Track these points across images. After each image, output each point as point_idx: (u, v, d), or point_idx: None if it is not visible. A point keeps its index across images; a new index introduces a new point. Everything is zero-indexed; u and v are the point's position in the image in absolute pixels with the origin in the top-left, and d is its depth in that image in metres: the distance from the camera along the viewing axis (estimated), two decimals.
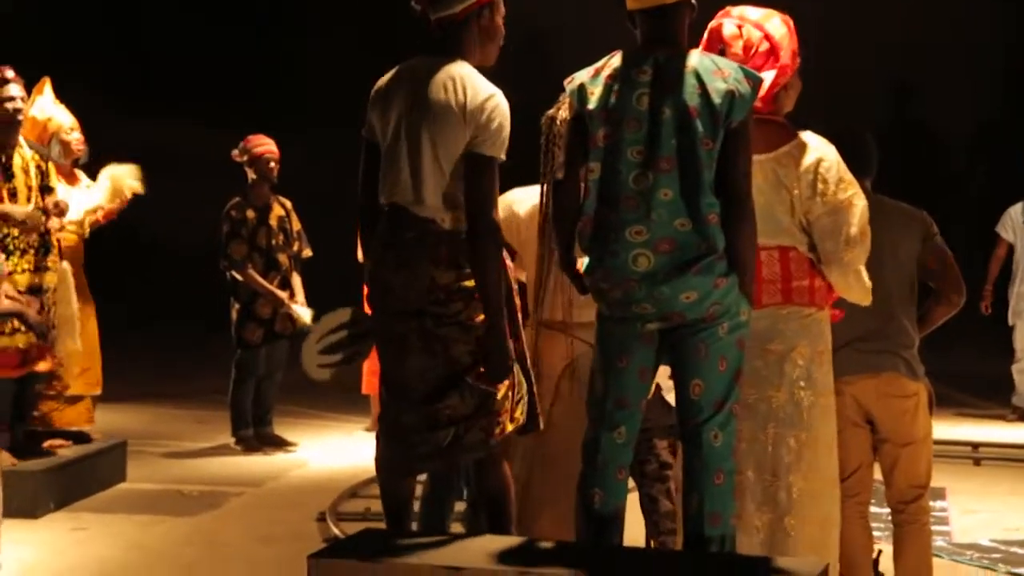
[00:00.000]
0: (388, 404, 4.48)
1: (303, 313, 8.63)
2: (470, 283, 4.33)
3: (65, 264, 6.93)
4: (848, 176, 4.49)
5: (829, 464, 4.49)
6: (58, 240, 6.95)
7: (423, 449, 4.38)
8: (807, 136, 4.53)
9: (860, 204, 4.46)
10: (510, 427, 4.42)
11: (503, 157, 4.36)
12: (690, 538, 4.13)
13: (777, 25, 4.53)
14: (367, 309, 4.66)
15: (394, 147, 4.38)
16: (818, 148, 4.51)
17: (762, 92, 4.27)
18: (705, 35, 4.58)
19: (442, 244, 4.34)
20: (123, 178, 7.69)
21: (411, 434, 4.38)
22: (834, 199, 4.44)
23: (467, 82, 4.34)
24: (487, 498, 4.51)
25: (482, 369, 4.34)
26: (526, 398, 4.48)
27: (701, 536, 4.10)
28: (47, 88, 7.49)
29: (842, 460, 4.65)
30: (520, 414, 4.44)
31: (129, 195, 7.71)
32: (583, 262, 4.25)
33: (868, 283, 4.52)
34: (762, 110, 4.40)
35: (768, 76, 4.42)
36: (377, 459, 4.56)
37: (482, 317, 4.33)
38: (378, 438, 4.55)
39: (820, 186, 4.44)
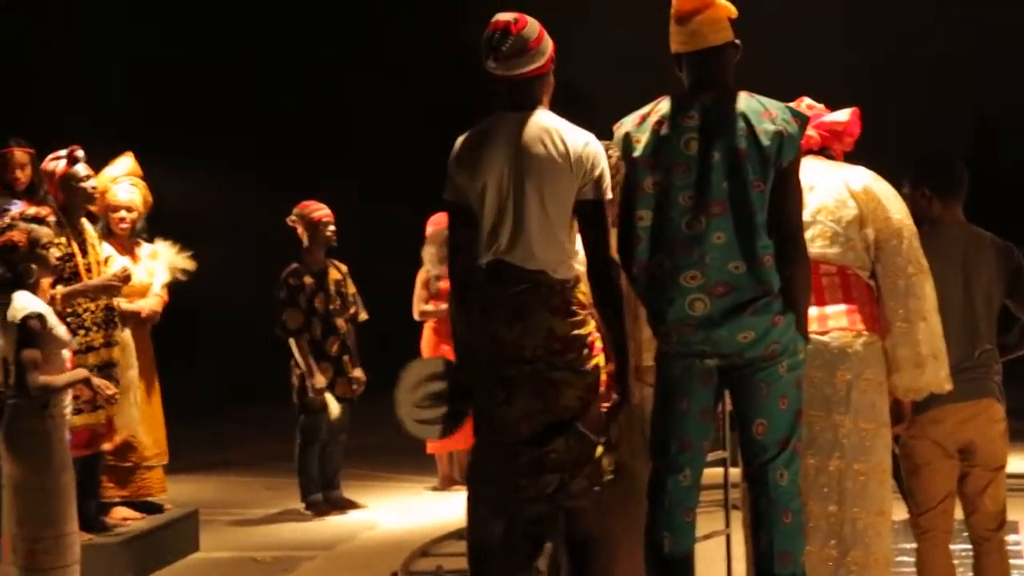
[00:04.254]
0: (490, 448, 4.45)
1: (333, 407, 8.69)
2: (584, 331, 4.38)
3: (126, 332, 7.02)
4: (904, 207, 4.57)
5: (886, 496, 4.49)
6: (121, 311, 7.05)
7: (529, 493, 4.38)
8: (858, 168, 4.62)
9: (915, 238, 4.52)
10: (608, 476, 4.44)
11: (610, 197, 4.42)
12: None
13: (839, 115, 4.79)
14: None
15: (496, 205, 4.41)
16: (874, 178, 4.61)
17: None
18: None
19: (555, 294, 4.38)
20: (174, 258, 7.80)
21: (517, 477, 4.38)
22: (897, 222, 4.52)
23: (563, 132, 4.41)
24: (577, 545, 4.49)
25: (605, 406, 4.38)
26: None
27: (772, 575, 4.10)
28: (123, 161, 7.62)
29: (930, 491, 4.66)
30: (610, 464, 4.47)
31: (181, 276, 7.82)
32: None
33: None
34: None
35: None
36: (473, 502, 4.52)
37: (593, 363, 4.37)
38: (475, 482, 4.52)
39: (883, 204, 4.53)
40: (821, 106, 4.87)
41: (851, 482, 4.43)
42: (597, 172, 4.38)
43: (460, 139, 4.54)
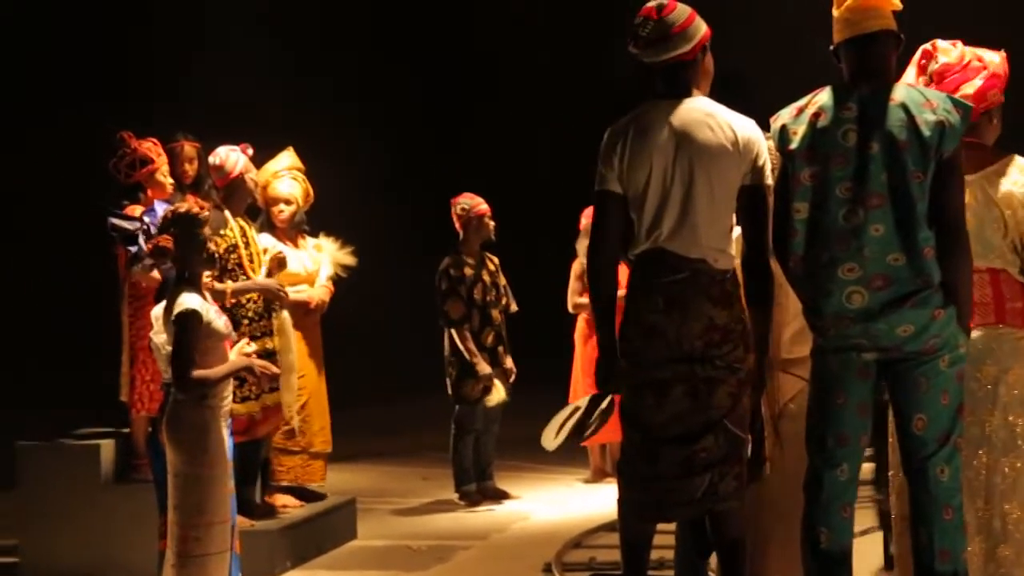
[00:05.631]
0: (641, 448, 4.43)
1: (499, 393, 8.76)
2: (741, 324, 4.36)
3: (284, 315, 7.15)
4: None
5: None
6: (290, 300, 7.20)
7: (679, 496, 4.37)
8: (1019, 159, 4.47)
9: None
10: (757, 473, 4.42)
11: (771, 183, 4.40)
12: (922, 573, 4.08)
13: (992, 55, 4.53)
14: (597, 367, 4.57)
15: (660, 193, 4.38)
16: (1011, 175, 4.45)
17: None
18: (918, 54, 4.58)
19: (715, 283, 4.36)
20: (336, 253, 7.94)
21: (667, 480, 4.36)
22: None
23: (727, 118, 4.40)
24: (727, 546, 4.44)
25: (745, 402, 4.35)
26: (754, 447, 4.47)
27: (932, 571, 4.05)
28: (284, 156, 7.79)
29: None
30: (758, 461, 4.44)
31: (342, 272, 7.95)
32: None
33: None
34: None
35: (974, 85, 4.38)
36: (622, 503, 4.51)
37: (746, 358, 4.36)
38: (624, 483, 4.50)
39: None
40: (969, 51, 4.59)
41: (999, 477, 4.34)
42: (760, 157, 4.37)
43: (611, 129, 4.51)
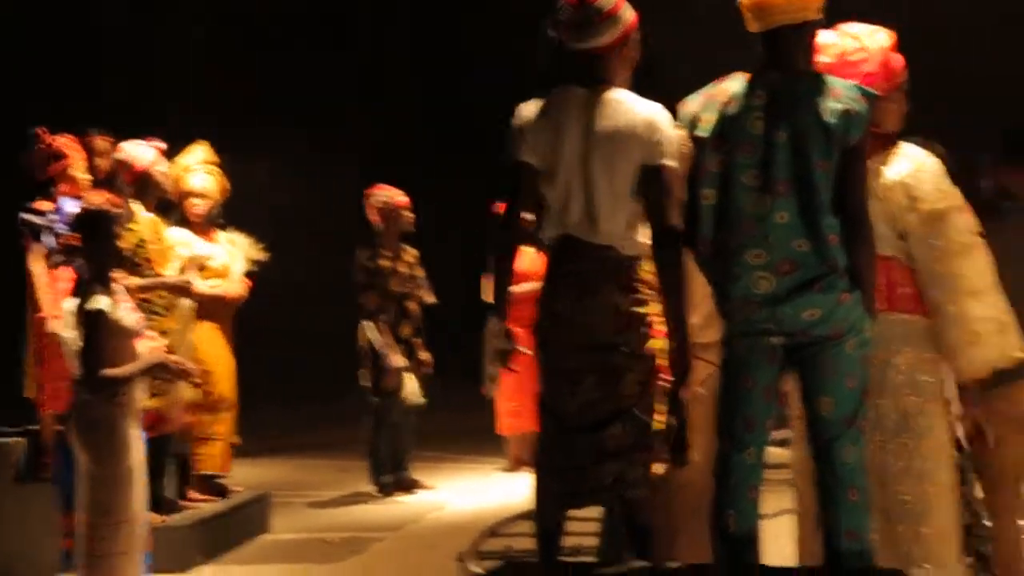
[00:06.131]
0: (552, 437, 4.44)
1: (410, 386, 8.78)
2: (646, 309, 4.36)
3: (185, 301, 7.10)
4: (947, 187, 4.46)
5: (943, 471, 4.45)
6: (205, 295, 7.15)
7: (590, 484, 4.38)
8: (905, 146, 4.52)
9: (959, 216, 4.43)
10: (665, 462, 4.43)
11: (676, 164, 4.34)
12: (829, 554, 4.13)
13: (878, 39, 4.54)
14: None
15: (565, 178, 4.37)
16: (914, 157, 4.50)
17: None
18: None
19: (622, 270, 4.36)
20: (248, 248, 7.90)
21: (577, 469, 4.38)
22: (930, 209, 4.42)
23: (632, 105, 4.37)
24: (636, 532, 4.45)
25: (664, 382, 4.34)
26: (675, 432, 4.48)
27: (840, 551, 4.09)
28: (197, 149, 7.74)
29: (1002, 468, 4.66)
30: (670, 448, 4.45)
31: (254, 266, 7.92)
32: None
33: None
34: None
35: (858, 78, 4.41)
36: (537, 491, 4.51)
37: (652, 345, 4.34)
38: (538, 470, 4.51)
39: (914, 196, 4.43)
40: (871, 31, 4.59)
41: (892, 458, 4.40)
42: (661, 137, 4.33)
43: (524, 108, 4.46)
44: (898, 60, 4.56)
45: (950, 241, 4.43)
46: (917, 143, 4.66)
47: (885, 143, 4.51)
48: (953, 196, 4.48)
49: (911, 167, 4.48)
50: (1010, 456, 4.83)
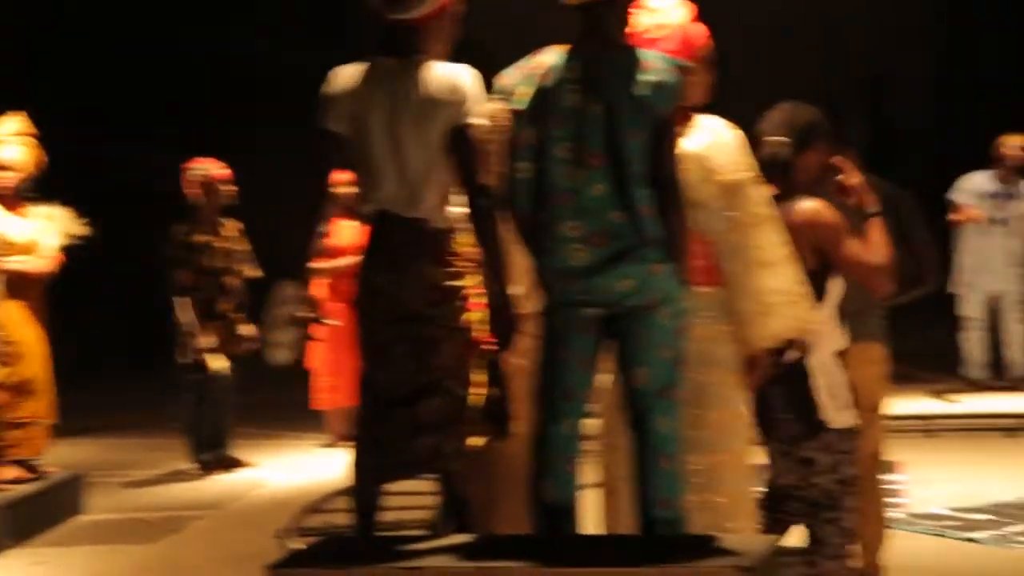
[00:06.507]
0: (369, 411, 4.42)
1: (213, 365, 8.68)
2: (462, 282, 4.33)
3: None
4: (744, 159, 4.52)
5: (736, 440, 4.52)
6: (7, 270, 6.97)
7: (404, 458, 4.37)
8: (703, 119, 4.57)
9: (755, 189, 4.50)
10: (484, 434, 4.43)
11: (484, 122, 4.30)
12: (644, 523, 4.18)
13: (675, 15, 4.56)
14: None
15: (376, 152, 4.31)
16: (713, 130, 4.55)
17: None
18: None
19: (436, 242, 4.32)
20: (68, 223, 7.71)
21: (392, 442, 4.36)
22: (726, 181, 4.48)
23: (438, 72, 4.31)
24: (454, 505, 4.45)
25: (486, 348, 4.32)
26: (496, 404, 4.49)
27: (653, 519, 4.15)
28: (9, 121, 7.51)
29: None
30: (487, 422, 4.45)
31: (75, 240, 7.73)
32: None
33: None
34: None
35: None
36: (354, 465, 4.49)
37: (467, 318, 4.31)
38: (356, 444, 4.49)
39: (710, 168, 4.49)
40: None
41: (695, 430, 4.40)
42: (466, 96, 4.28)
43: (335, 75, 4.40)
44: (699, 34, 4.60)
45: (745, 213, 4.48)
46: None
47: (685, 116, 4.54)
48: (749, 168, 4.54)
49: (709, 139, 4.53)
50: (867, 438, 4.91)
